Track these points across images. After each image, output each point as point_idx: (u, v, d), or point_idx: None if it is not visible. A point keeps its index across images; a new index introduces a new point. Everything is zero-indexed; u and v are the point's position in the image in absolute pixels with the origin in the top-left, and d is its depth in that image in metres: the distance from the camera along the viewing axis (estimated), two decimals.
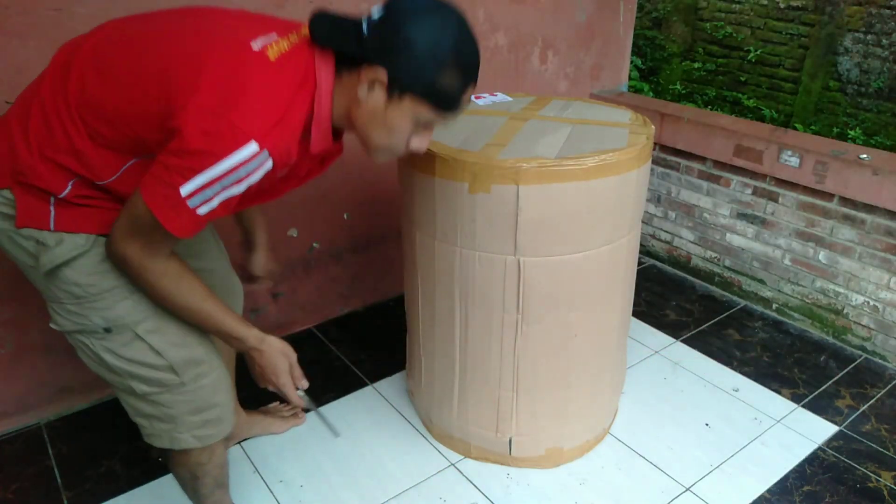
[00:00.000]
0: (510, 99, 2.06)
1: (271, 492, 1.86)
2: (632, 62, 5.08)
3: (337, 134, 1.26)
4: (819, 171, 2.38)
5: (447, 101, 1.18)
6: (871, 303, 2.41)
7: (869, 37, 5.05)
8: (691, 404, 2.19)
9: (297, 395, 1.41)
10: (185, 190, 1.05)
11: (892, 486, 1.89)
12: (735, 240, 2.78)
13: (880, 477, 1.92)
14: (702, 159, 2.78)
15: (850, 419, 2.13)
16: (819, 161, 2.37)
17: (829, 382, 2.31)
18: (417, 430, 2.07)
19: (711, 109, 5.73)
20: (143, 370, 1.29)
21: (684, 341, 2.53)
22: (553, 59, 2.85)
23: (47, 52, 1.77)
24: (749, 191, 2.66)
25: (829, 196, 2.42)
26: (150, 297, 1.23)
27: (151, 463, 1.96)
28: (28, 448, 2.03)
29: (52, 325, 1.30)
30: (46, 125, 1.15)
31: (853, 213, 2.37)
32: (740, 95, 5.87)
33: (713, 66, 6.08)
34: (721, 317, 2.71)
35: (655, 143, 2.92)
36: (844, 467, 1.95)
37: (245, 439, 2.04)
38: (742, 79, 5.90)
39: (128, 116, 1.11)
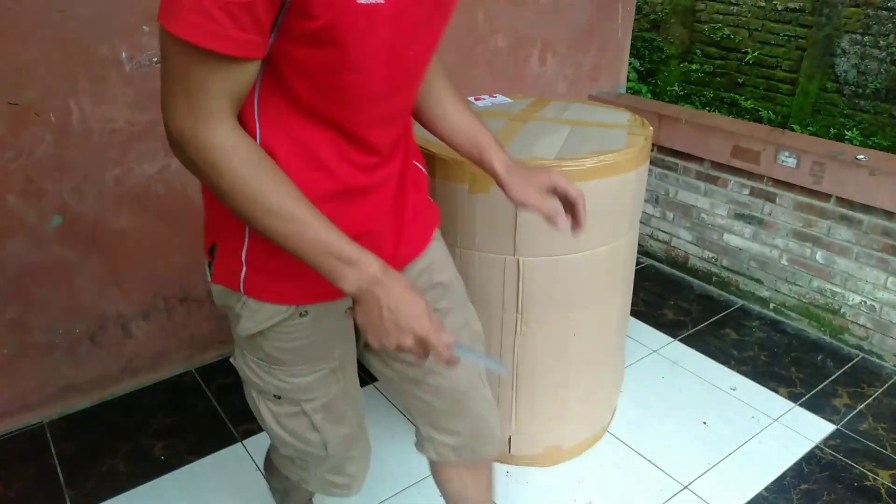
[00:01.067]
0: (509, 100, 2.07)
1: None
2: (630, 64, 5.09)
3: None
4: (816, 172, 2.39)
5: None
6: (868, 302, 2.43)
7: (866, 38, 5.07)
8: (689, 403, 2.21)
9: (447, 341, 0.93)
10: None
11: (889, 484, 1.90)
12: (732, 240, 2.80)
13: (877, 475, 1.93)
14: (699, 160, 2.80)
15: (848, 418, 2.15)
16: (816, 162, 2.38)
17: (827, 381, 2.33)
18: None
19: (709, 111, 5.75)
20: (296, 442, 1.21)
21: (682, 341, 2.55)
22: (552, 60, 2.86)
23: (49, 54, 1.80)
24: (746, 191, 2.68)
25: (826, 196, 2.43)
26: (221, 195, 0.87)
27: (153, 462, 1.97)
28: (31, 447, 2.04)
29: (231, 360, 1.21)
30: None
31: (850, 213, 2.38)
32: (738, 97, 5.88)
33: (711, 68, 6.10)
34: (719, 316, 2.72)
35: (653, 144, 2.93)
36: (841, 466, 1.96)
37: None
38: (740, 80, 5.92)
39: None
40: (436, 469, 1.38)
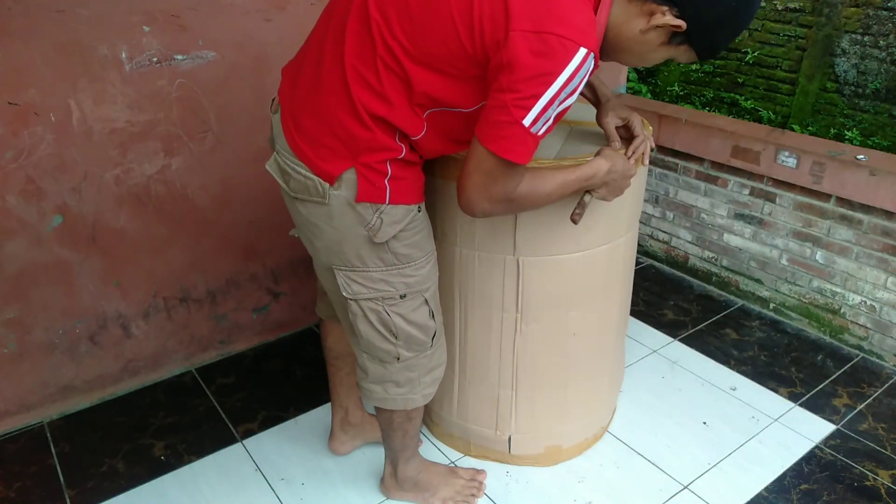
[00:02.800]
0: None
1: (273, 490, 1.87)
2: None
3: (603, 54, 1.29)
4: (816, 172, 2.39)
5: (712, 55, 1.24)
6: (868, 302, 2.43)
7: (866, 38, 5.07)
8: (689, 403, 2.21)
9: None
10: (528, 120, 1.10)
11: (890, 484, 1.90)
12: (732, 240, 2.80)
13: (877, 475, 1.93)
14: (699, 160, 2.80)
15: (848, 418, 2.15)
16: (816, 162, 2.38)
17: (827, 381, 2.33)
18: (425, 429, 2.08)
19: (709, 111, 5.75)
20: (418, 333, 1.46)
21: (682, 340, 2.55)
22: None
23: (49, 54, 1.80)
24: (746, 191, 2.68)
25: (826, 196, 2.43)
26: (524, 209, 1.38)
27: (153, 462, 1.98)
28: (30, 447, 2.04)
29: (343, 293, 1.39)
30: (370, 89, 1.21)
31: (850, 213, 2.38)
32: (738, 97, 5.88)
33: (711, 68, 6.10)
34: (718, 316, 2.72)
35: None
36: (842, 466, 1.96)
37: (365, 443, 1.99)
38: (739, 80, 5.92)
39: (445, 58, 1.17)
40: (322, 327, 1.82)
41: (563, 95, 1.10)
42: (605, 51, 1.26)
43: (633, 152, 1.54)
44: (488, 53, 1.12)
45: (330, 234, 1.34)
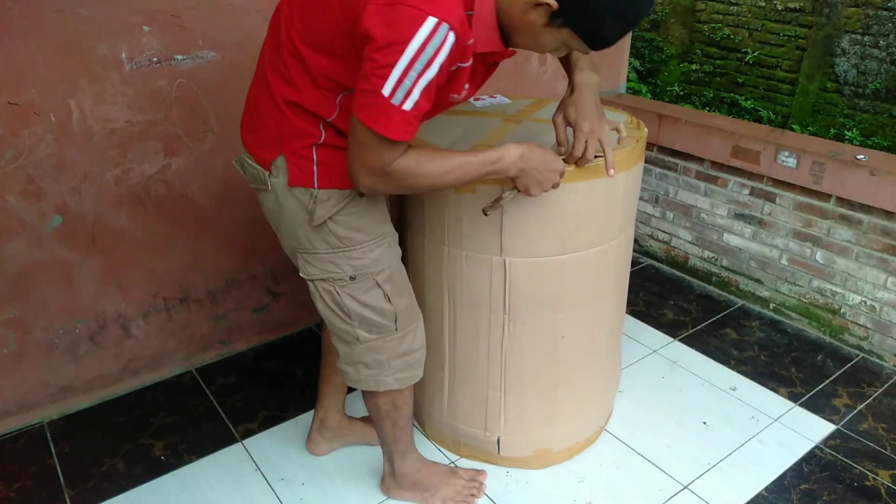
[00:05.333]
0: (508, 101, 2.07)
1: (273, 490, 1.87)
2: (630, 64, 5.10)
3: (505, 38, 1.28)
4: (816, 172, 2.39)
5: (602, 44, 1.22)
6: (868, 302, 2.43)
7: (866, 38, 5.07)
8: (689, 403, 2.21)
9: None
10: (386, 89, 1.13)
11: (890, 484, 1.90)
12: (732, 240, 2.80)
13: (877, 475, 1.93)
14: (699, 160, 2.80)
15: (848, 418, 2.15)
16: (816, 162, 2.38)
17: (827, 381, 2.33)
18: (418, 428, 2.08)
19: (709, 111, 5.75)
20: (373, 315, 1.48)
21: (682, 340, 2.55)
22: (552, 61, 2.86)
23: (49, 54, 1.80)
24: (746, 191, 2.68)
25: (826, 196, 2.43)
26: (422, 193, 1.39)
27: (153, 462, 1.98)
28: (30, 447, 2.04)
29: (301, 275, 1.48)
30: (282, 77, 1.31)
31: (850, 213, 2.38)
32: (738, 97, 5.89)
33: (711, 68, 6.10)
34: (718, 316, 2.72)
35: (654, 144, 2.93)
36: (842, 466, 1.96)
37: (343, 446, 2.00)
38: (739, 80, 5.92)
39: (329, 39, 1.24)
40: (323, 325, 1.79)
41: (418, 65, 1.12)
42: (505, 33, 1.26)
43: (570, 152, 1.50)
44: (356, 29, 1.16)
45: (284, 220, 1.43)
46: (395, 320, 1.51)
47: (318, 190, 1.36)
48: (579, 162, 1.50)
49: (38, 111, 1.83)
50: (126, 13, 1.88)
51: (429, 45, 1.11)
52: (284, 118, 1.33)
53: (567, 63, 1.55)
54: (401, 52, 1.11)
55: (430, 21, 1.10)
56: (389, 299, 1.48)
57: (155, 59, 1.95)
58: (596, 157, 1.53)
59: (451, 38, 1.13)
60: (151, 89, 1.97)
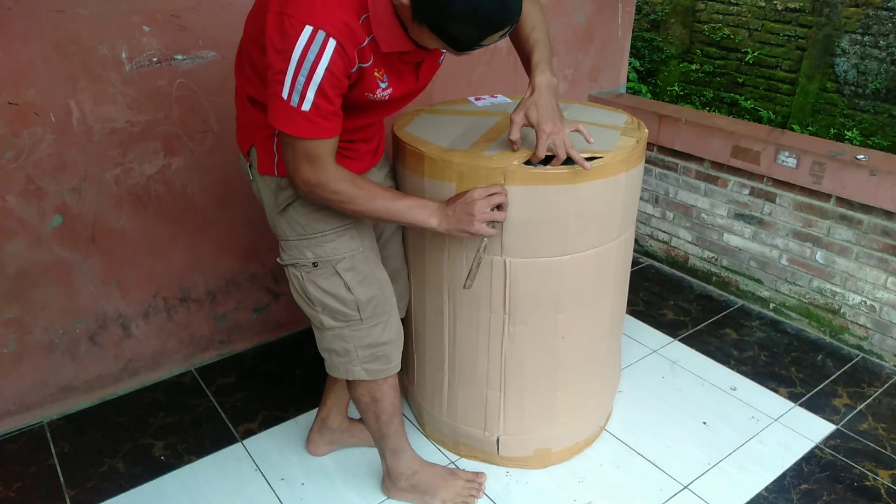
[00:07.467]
0: (509, 100, 2.07)
1: (273, 490, 1.88)
2: (630, 64, 5.10)
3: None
4: (816, 172, 2.39)
5: (455, 45, 1.24)
6: (868, 302, 2.43)
7: (866, 38, 5.07)
8: (689, 403, 2.21)
9: (488, 230, 1.52)
10: (284, 93, 1.21)
11: (889, 484, 1.90)
12: (732, 240, 2.80)
13: (877, 475, 1.93)
14: (699, 160, 2.80)
15: (848, 418, 2.15)
16: (816, 162, 2.38)
17: (827, 381, 2.33)
18: (418, 428, 2.09)
19: (709, 111, 5.75)
20: (334, 303, 1.53)
21: (682, 340, 2.55)
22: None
23: (49, 54, 1.80)
24: (746, 191, 2.68)
25: (826, 196, 2.43)
26: (344, 211, 1.41)
27: (153, 462, 1.98)
28: (30, 447, 2.04)
29: (277, 259, 1.57)
30: (242, 73, 1.42)
31: (850, 213, 2.38)
32: (738, 97, 5.89)
33: (711, 68, 6.11)
34: (718, 316, 2.72)
35: (654, 145, 2.93)
36: (842, 466, 1.96)
37: (341, 448, 2.01)
38: (739, 80, 5.93)
39: (257, 40, 1.30)
40: None
41: (304, 70, 1.19)
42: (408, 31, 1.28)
43: (534, 152, 1.50)
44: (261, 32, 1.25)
45: (265, 208, 1.53)
46: (358, 309, 1.54)
47: (278, 178, 1.45)
48: (552, 162, 1.52)
49: (38, 111, 1.83)
50: (126, 13, 1.88)
51: (309, 51, 1.18)
52: (246, 111, 1.43)
53: (528, 63, 1.58)
54: (288, 59, 1.19)
55: (307, 29, 1.17)
56: (350, 288, 1.52)
57: (155, 59, 1.95)
58: (591, 158, 1.53)
59: (332, 43, 1.19)
60: (151, 89, 1.97)
